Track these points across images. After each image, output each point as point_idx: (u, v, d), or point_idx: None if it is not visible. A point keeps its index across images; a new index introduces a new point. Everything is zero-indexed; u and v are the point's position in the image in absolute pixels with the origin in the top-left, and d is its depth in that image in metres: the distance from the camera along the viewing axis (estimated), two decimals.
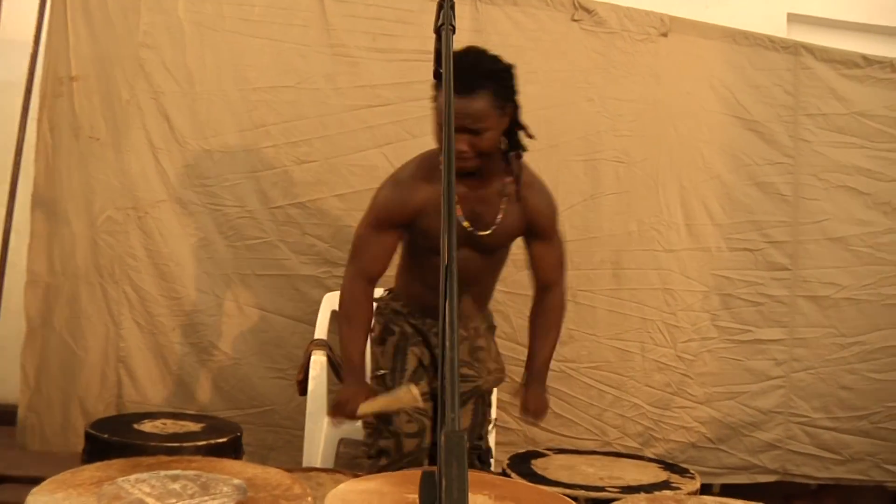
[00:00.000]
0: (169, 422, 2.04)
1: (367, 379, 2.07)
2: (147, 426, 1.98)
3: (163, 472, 1.44)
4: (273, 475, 1.48)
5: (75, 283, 2.52)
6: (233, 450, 1.92)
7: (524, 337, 2.25)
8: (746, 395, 2.92)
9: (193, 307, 2.59)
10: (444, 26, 1.19)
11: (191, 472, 1.45)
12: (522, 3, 2.78)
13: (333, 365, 2.34)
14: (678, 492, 1.73)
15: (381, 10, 2.68)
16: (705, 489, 1.89)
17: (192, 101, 2.59)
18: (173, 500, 1.32)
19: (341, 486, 1.46)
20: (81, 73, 2.52)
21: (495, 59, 1.91)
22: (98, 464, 1.49)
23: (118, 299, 2.55)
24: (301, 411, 2.38)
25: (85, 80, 2.52)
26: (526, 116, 2.70)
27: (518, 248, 2.15)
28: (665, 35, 2.88)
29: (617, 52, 2.85)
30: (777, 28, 3.44)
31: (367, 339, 2.04)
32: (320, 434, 2.31)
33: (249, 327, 2.64)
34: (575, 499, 1.60)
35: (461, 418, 2.08)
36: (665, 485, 1.79)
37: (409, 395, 1.80)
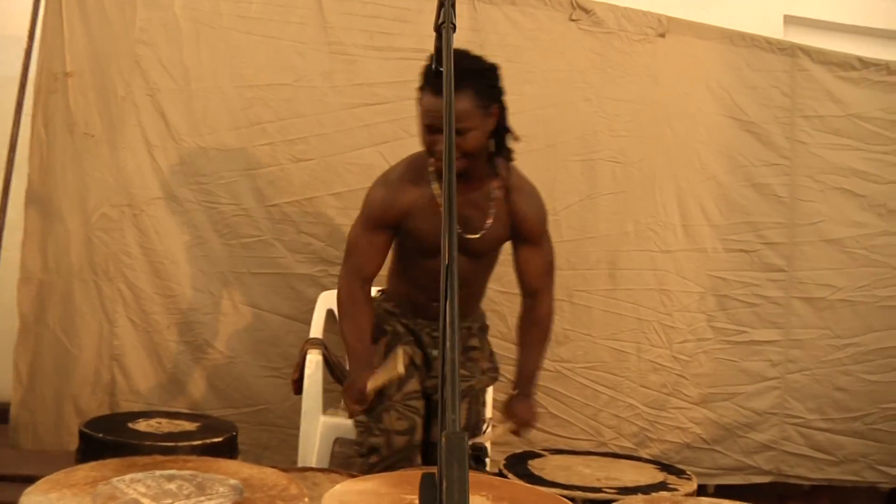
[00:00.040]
0: (164, 421, 2.02)
1: None
2: (142, 425, 1.97)
3: (158, 472, 1.43)
4: (269, 475, 1.47)
5: (69, 280, 2.51)
6: (229, 449, 1.91)
7: None
8: (742, 396, 2.92)
9: (188, 305, 2.58)
10: (444, 24, 1.18)
11: (186, 472, 1.44)
12: (520, 2, 2.77)
13: (329, 364, 2.33)
14: (675, 493, 1.73)
15: (378, 9, 2.67)
16: (700, 490, 1.89)
17: (189, 98, 2.57)
18: (169, 501, 1.31)
19: (338, 486, 1.46)
20: (76, 69, 2.51)
21: (478, 59, 1.91)
22: (93, 463, 1.48)
23: (112, 297, 2.53)
24: (296, 410, 2.37)
25: (80, 76, 2.51)
26: (523, 116, 2.70)
27: (509, 248, 2.14)
28: (663, 36, 2.88)
29: (614, 52, 2.85)
30: (774, 30, 3.44)
31: (369, 330, 2.03)
32: (315, 433, 2.30)
33: (244, 326, 2.63)
34: (572, 500, 1.60)
35: (461, 419, 2.09)
36: (662, 486, 1.79)
37: (397, 358, 1.85)
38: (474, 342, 2.17)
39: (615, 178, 2.85)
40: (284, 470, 1.57)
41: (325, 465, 2.26)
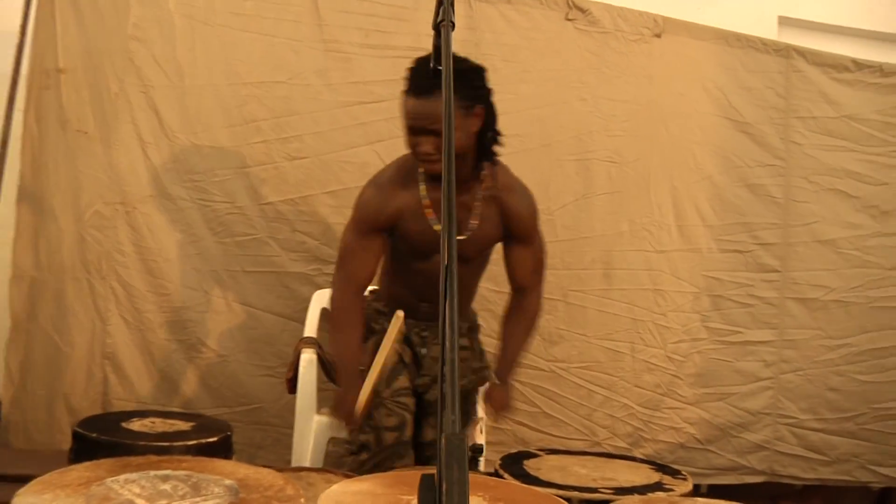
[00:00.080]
0: (158, 420, 2.00)
1: None
2: (136, 425, 1.95)
3: (153, 473, 1.41)
4: (265, 476, 1.46)
5: (61, 278, 2.49)
6: (224, 449, 1.89)
7: None
8: (735, 397, 2.93)
9: (181, 303, 2.56)
10: (443, 23, 1.17)
11: (181, 473, 1.43)
12: (516, 1, 2.77)
13: (323, 363, 2.32)
14: (671, 493, 1.73)
15: (374, 6, 2.66)
16: (693, 489, 1.90)
17: (182, 95, 2.55)
18: (164, 502, 1.29)
19: (334, 486, 1.45)
20: (69, 66, 2.48)
21: (462, 60, 1.91)
22: (86, 464, 1.46)
23: (105, 295, 2.51)
24: (289, 409, 2.36)
25: (73, 72, 2.49)
26: (519, 115, 2.70)
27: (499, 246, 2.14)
28: (658, 36, 2.88)
29: (610, 52, 2.85)
30: (768, 31, 3.45)
31: (360, 343, 2.05)
32: (310, 432, 2.29)
33: (238, 324, 2.62)
34: (568, 500, 1.60)
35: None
36: (658, 486, 1.79)
37: (397, 322, 1.84)
38: (464, 342, 2.18)
39: (610, 178, 2.86)
40: (279, 470, 1.56)
41: (319, 464, 2.25)
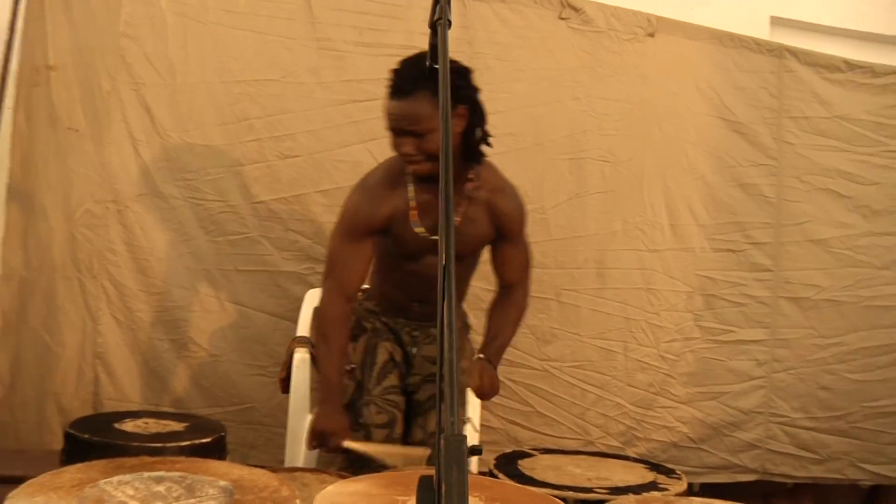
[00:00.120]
0: (151, 421, 1.98)
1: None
2: (128, 426, 1.93)
3: (146, 474, 1.40)
4: (260, 476, 1.46)
5: (52, 277, 2.47)
6: (218, 450, 1.88)
7: None
8: (728, 396, 2.94)
9: (173, 303, 2.54)
10: (440, 21, 1.17)
11: (175, 474, 1.41)
12: None
13: (316, 362, 2.31)
14: (666, 493, 1.73)
15: (367, 4, 2.65)
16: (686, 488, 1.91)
17: (174, 92, 2.54)
18: (158, 503, 1.28)
19: (329, 487, 1.44)
20: (59, 63, 2.46)
21: None
22: (79, 465, 1.44)
23: (96, 294, 2.49)
24: (282, 409, 2.34)
25: (63, 69, 2.46)
26: (512, 114, 2.70)
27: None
28: (652, 35, 2.89)
29: (604, 51, 2.85)
30: (760, 31, 3.45)
31: (343, 359, 2.03)
32: (303, 432, 2.27)
33: (230, 323, 2.60)
34: (564, 500, 1.60)
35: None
36: (653, 486, 1.79)
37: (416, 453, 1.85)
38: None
39: (604, 177, 2.86)
40: (274, 470, 1.55)
41: (312, 464, 2.24)
